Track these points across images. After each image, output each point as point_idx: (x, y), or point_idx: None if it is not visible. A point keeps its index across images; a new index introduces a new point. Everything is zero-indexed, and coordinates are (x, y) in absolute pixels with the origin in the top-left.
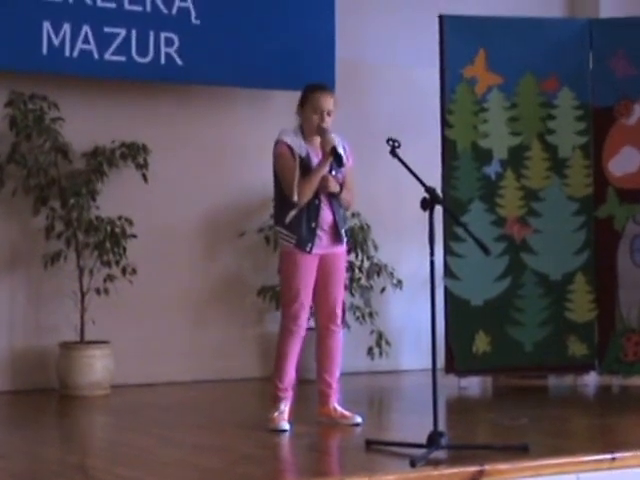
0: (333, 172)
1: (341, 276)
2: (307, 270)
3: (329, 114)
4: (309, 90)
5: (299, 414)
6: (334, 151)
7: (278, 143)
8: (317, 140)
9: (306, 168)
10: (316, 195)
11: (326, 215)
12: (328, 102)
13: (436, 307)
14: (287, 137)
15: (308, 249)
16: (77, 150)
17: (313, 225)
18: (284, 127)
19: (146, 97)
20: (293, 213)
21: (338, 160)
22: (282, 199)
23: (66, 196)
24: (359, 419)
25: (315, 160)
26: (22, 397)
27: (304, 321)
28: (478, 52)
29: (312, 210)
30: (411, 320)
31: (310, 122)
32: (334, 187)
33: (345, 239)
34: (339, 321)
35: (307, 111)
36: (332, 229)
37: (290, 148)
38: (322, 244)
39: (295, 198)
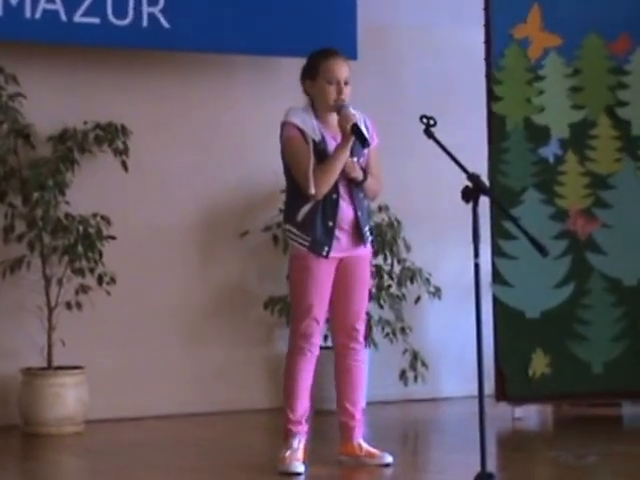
0: (355, 158)
1: (364, 284)
2: (322, 278)
3: (346, 84)
4: (318, 58)
5: (316, 452)
6: (355, 129)
7: (285, 125)
8: (334, 119)
9: (322, 154)
10: (334, 187)
11: (346, 211)
12: (343, 70)
13: (483, 320)
14: (296, 117)
15: (324, 253)
16: (41, 133)
17: (330, 224)
18: (292, 106)
19: (125, 68)
20: (306, 208)
21: (361, 140)
22: (294, 192)
23: (28, 190)
24: (389, 458)
25: (332, 144)
26: None
27: (318, 339)
28: (531, 7)
29: (329, 205)
30: (452, 337)
31: (324, 97)
32: (357, 173)
33: (369, 239)
34: (361, 338)
35: (319, 84)
36: (353, 228)
37: (300, 130)
38: (341, 246)
39: (312, 191)
